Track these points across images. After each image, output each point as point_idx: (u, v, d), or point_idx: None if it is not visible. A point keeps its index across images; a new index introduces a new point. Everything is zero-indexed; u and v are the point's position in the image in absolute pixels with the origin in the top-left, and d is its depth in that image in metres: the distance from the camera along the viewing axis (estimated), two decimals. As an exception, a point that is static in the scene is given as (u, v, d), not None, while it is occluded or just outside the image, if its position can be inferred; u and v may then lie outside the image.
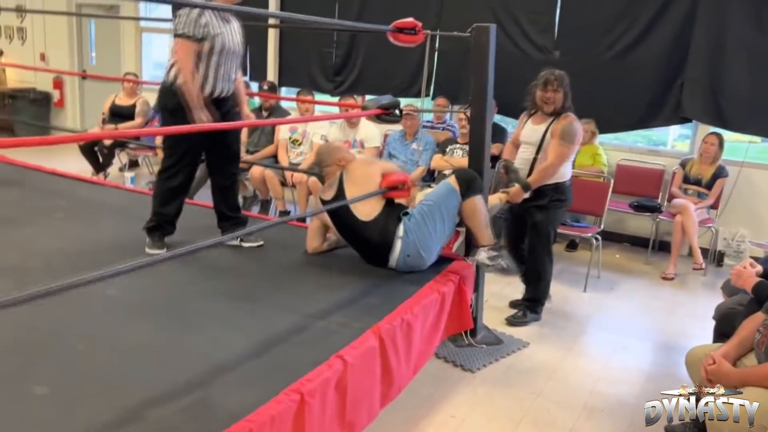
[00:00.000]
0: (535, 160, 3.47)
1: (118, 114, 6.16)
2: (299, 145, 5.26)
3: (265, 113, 5.34)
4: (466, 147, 3.79)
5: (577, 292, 4.22)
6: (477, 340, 3.22)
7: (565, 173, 3.48)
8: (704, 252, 4.71)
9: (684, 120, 5.05)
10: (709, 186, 4.74)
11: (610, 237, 5.13)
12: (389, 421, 2.43)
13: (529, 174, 3.45)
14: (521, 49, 5.35)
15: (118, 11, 7.90)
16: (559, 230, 3.89)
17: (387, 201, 2.98)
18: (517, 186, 3.41)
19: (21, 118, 8.02)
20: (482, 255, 2.91)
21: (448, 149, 4.89)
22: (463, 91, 5.18)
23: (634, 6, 4.95)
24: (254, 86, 6.39)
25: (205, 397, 1.78)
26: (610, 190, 4.58)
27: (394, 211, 2.93)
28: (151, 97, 4.88)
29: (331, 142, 4.80)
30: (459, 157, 4.70)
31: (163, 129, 3.18)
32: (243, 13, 3.23)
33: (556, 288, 3.80)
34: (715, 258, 4.94)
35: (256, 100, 5.95)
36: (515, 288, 3.89)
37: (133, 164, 6.69)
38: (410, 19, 2.96)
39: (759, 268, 2.49)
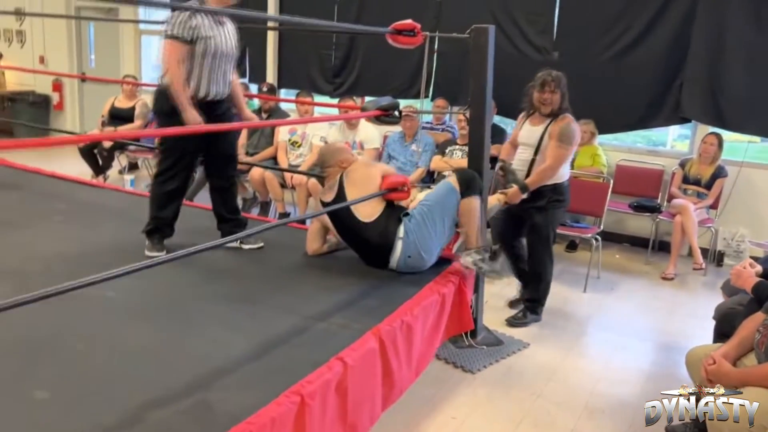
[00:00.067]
0: (533, 161, 3.47)
1: (118, 116, 6.16)
2: (299, 146, 5.26)
3: (264, 115, 5.33)
4: (466, 148, 3.78)
5: (577, 292, 4.22)
6: (477, 341, 3.22)
7: (563, 174, 3.48)
8: (704, 252, 4.71)
9: (683, 120, 5.05)
10: (709, 186, 4.74)
11: (610, 237, 5.13)
12: (390, 423, 2.43)
13: (528, 175, 3.45)
14: (520, 50, 5.35)
15: (118, 14, 7.91)
16: (558, 231, 3.90)
17: (387, 202, 2.97)
18: (514, 187, 3.41)
19: (20, 121, 8.01)
20: (467, 259, 2.91)
21: (447, 150, 4.89)
22: (462, 92, 5.18)
23: (633, 6, 4.95)
24: (253, 88, 6.40)
25: (205, 399, 1.78)
26: (610, 190, 4.58)
27: (394, 213, 2.94)
28: (150, 100, 4.88)
29: (333, 143, 4.80)
30: (458, 158, 4.70)
31: (162, 131, 3.17)
32: (240, 16, 3.22)
33: (556, 288, 3.80)
34: (715, 258, 4.94)
35: (256, 102, 5.96)
36: (515, 289, 3.90)
37: (133, 167, 6.69)
38: (409, 21, 2.96)
39: (759, 268, 2.50)
